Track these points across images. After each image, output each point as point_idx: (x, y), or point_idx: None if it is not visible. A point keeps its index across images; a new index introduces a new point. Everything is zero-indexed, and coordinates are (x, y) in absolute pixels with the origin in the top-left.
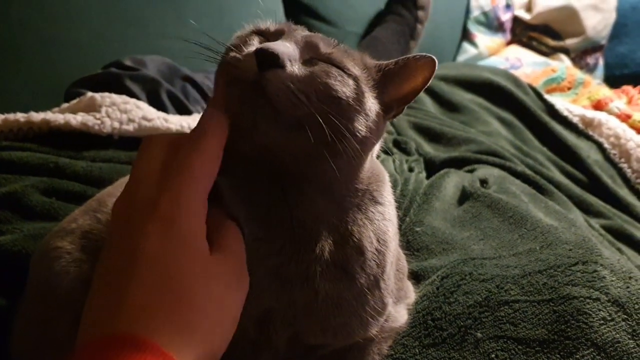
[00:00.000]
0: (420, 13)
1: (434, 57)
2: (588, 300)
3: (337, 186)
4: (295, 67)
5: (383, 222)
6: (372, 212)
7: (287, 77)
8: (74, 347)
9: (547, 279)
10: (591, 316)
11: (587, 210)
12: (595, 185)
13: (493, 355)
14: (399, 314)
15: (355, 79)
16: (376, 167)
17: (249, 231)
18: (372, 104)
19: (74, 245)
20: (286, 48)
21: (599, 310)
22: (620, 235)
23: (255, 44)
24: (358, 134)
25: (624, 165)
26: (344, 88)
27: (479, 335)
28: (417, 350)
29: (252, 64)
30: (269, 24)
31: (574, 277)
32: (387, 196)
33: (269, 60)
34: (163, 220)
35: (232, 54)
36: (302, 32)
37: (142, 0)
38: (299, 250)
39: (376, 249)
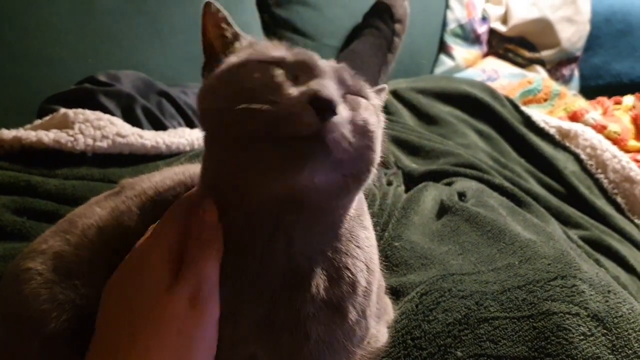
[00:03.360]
0: (397, 26)
1: None
2: (568, 316)
3: (340, 217)
4: (343, 110)
5: (371, 248)
6: (361, 238)
7: (344, 121)
8: None
9: (527, 294)
10: (571, 332)
11: (565, 221)
12: (572, 196)
13: None
14: (379, 333)
15: (375, 107)
16: None
17: (236, 283)
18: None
19: (46, 266)
20: (333, 87)
21: (579, 325)
22: (598, 246)
23: (285, 82)
24: (373, 167)
25: (601, 176)
26: (374, 120)
27: (459, 354)
28: None
29: (307, 114)
30: (280, 49)
31: (553, 292)
32: (368, 217)
33: (330, 108)
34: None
35: (258, 102)
36: (325, 62)
37: (117, 15)
38: (290, 295)
39: (366, 280)
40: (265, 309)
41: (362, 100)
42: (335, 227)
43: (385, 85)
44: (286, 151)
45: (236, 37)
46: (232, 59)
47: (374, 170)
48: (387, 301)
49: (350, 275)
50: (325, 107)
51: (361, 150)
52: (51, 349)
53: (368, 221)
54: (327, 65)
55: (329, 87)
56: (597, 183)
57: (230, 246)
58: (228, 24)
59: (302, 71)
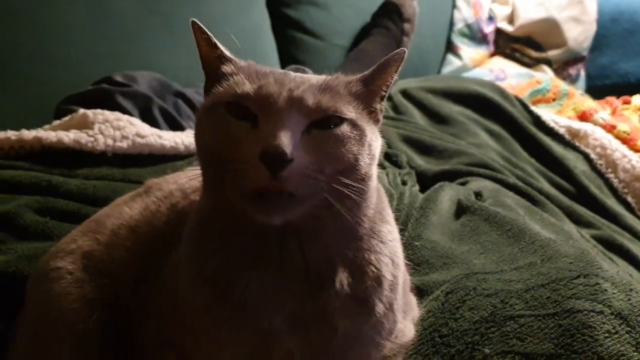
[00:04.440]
0: (406, 25)
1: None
2: (592, 314)
3: (349, 221)
4: (302, 153)
5: (394, 242)
6: (384, 232)
7: (302, 167)
8: None
9: (551, 292)
10: (596, 329)
11: (577, 220)
12: (583, 195)
13: None
14: (406, 329)
15: (351, 122)
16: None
17: (261, 288)
18: (369, 130)
19: (75, 265)
20: (287, 136)
21: (603, 323)
22: (610, 246)
23: (243, 138)
24: (365, 174)
25: (611, 176)
26: (348, 145)
27: (486, 351)
28: None
29: (259, 170)
30: (244, 85)
31: (577, 290)
32: (390, 212)
33: (280, 162)
34: None
35: (225, 159)
36: (280, 87)
37: (132, 16)
38: (315, 291)
39: (392, 274)
40: (294, 305)
41: (331, 132)
42: (351, 228)
43: (402, 50)
44: (253, 203)
45: (221, 60)
46: (207, 101)
47: (368, 181)
48: (413, 298)
49: (375, 270)
50: (275, 162)
51: (333, 174)
52: (83, 349)
53: (390, 215)
54: (287, 97)
55: (280, 138)
56: (607, 182)
57: (248, 248)
58: (213, 45)
59: (261, 110)
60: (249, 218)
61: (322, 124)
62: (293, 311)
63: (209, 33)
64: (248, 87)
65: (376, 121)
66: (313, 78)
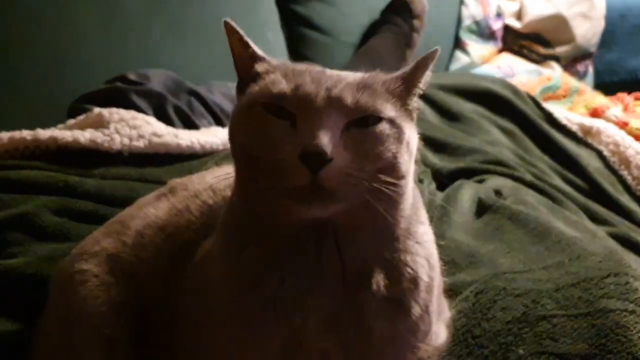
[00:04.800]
0: (415, 22)
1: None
2: (625, 313)
3: (387, 222)
4: (341, 152)
5: (430, 243)
6: (420, 233)
7: (341, 166)
8: None
9: (582, 292)
10: (629, 329)
11: (592, 218)
12: (596, 193)
13: None
14: (440, 331)
15: (390, 120)
16: None
17: (296, 287)
18: (407, 128)
19: (101, 267)
20: (326, 135)
21: (636, 322)
22: (626, 243)
23: (282, 138)
24: (404, 173)
25: (624, 173)
26: (387, 143)
27: (520, 351)
28: None
29: (299, 170)
30: (281, 84)
31: (608, 289)
32: (424, 213)
33: (320, 162)
34: None
35: (263, 158)
36: (317, 86)
37: (142, 15)
38: (351, 292)
39: (428, 275)
40: (330, 305)
41: (370, 130)
42: (388, 229)
43: (437, 48)
44: (293, 199)
45: (254, 59)
46: (244, 100)
47: (404, 180)
48: (444, 300)
49: (411, 272)
50: (315, 162)
51: (373, 173)
52: (112, 354)
53: (424, 216)
54: (325, 96)
55: (320, 137)
56: (621, 179)
57: (283, 246)
58: (245, 44)
59: (300, 110)
60: (286, 216)
61: (360, 122)
62: (328, 312)
63: (241, 32)
64: (285, 86)
65: (412, 119)
66: (350, 76)
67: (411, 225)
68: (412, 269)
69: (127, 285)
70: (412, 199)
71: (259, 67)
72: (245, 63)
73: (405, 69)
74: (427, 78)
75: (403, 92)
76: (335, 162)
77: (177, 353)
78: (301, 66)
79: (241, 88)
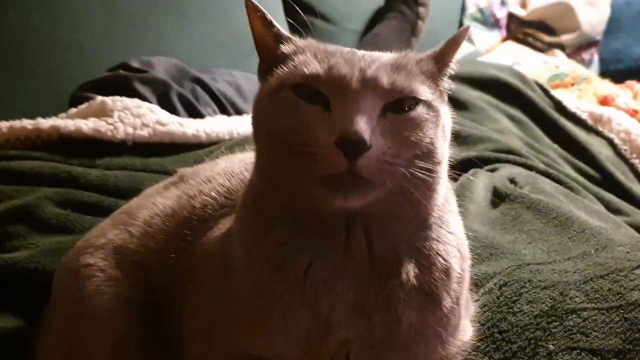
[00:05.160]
0: (421, 10)
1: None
2: None
3: (421, 210)
4: (379, 138)
5: (461, 233)
6: (452, 223)
7: (379, 153)
8: None
9: (611, 284)
10: None
11: (605, 207)
12: (608, 182)
13: None
14: (467, 326)
15: (427, 103)
16: None
17: (324, 272)
18: (442, 110)
19: (107, 261)
20: (363, 121)
21: None
22: None
23: (316, 124)
24: (441, 158)
25: (636, 161)
26: (425, 128)
27: (551, 347)
28: None
29: (335, 157)
30: (313, 64)
31: (639, 281)
32: (454, 201)
33: (359, 149)
34: None
35: (293, 144)
36: (351, 67)
37: (145, 1)
38: (379, 281)
39: (460, 266)
40: (356, 293)
41: (408, 114)
42: (422, 217)
43: (468, 26)
44: (327, 188)
45: (278, 39)
46: (271, 83)
47: (440, 166)
48: (469, 295)
49: (443, 262)
50: (353, 149)
51: (411, 159)
52: (122, 352)
53: (455, 205)
54: (360, 77)
55: (358, 123)
56: (633, 168)
57: (310, 231)
58: (269, 23)
59: (334, 92)
60: (315, 201)
61: (396, 105)
62: (355, 299)
63: (263, 10)
64: (317, 67)
65: (444, 100)
66: (382, 56)
67: (444, 214)
68: (444, 259)
69: (135, 278)
70: (447, 186)
71: (285, 48)
72: (268, 44)
73: (436, 48)
74: (455, 57)
75: (435, 72)
76: (373, 149)
77: (188, 336)
78: (330, 46)
79: (263, 70)
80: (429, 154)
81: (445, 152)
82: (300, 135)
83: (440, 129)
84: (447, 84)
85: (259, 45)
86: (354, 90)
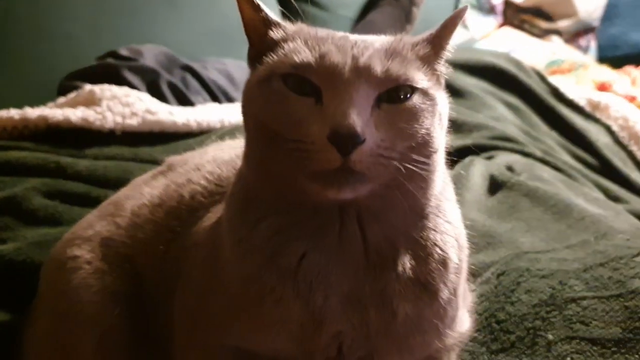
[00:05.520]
0: None
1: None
2: None
3: (417, 201)
4: (373, 131)
5: (459, 222)
6: (449, 212)
7: (374, 146)
8: None
9: (611, 272)
10: None
11: (604, 194)
12: (606, 169)
13: (568, 359)
14: (464, 317)
15: (423, 91)
16: None
17: (317, 263)
18: (439, 97)
19: (94, 253)
20: (357, 113)
21: None
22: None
23: (307, 118)
24: (437, 148)
25: (634, 148)
26: (421, 118)
27: (550, 337)
28: (485, 357)
29: (328, 152)
30: (304, 52)
31: (639, 269)
32: (451, 189)
33: (351, 143)
34: None
35: (284, 137)
36: (343, 55)
37: None
38: (374, 272)
39: (457, 257)
40: (351, 285)
41: (398, 107)
42: (417, 208)
43: (466, 6)
44: (319, 182)
45: (267, 24)
46: (260, 72)
47: (436, 155)
48: (466, 285)
49: (440, 252)
50: (346, 143)
51: (406, 151)
52: (107, 345)
53: (452, 193)
54: (352, 66)
55: (351, 116)
56: (631, 155)
57: (303, 221)
58: (256, 7)
59: (326, 83)
60: (307, 194)
61: (392, 94)
62: (349, 291)
63: None
64: (308, 55)
65: (440, 85)
66: (376, 41)
67: (441, 202)
68: (441, 249)
69: (122, 271)
70: (444, 174)
71: (274, 34)
72: (258, 29)
73: (432, 30)
74: (452, 39)
75: (432, 55)
76: (367, 143)
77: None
78: (322, 32)
79: (253, 57)
80: (424, 145)
81: (442, 140)
82: (292, 130)
83: (437, 118)
84: (444, 67)
85: (248, 29)
86: (346, 81)
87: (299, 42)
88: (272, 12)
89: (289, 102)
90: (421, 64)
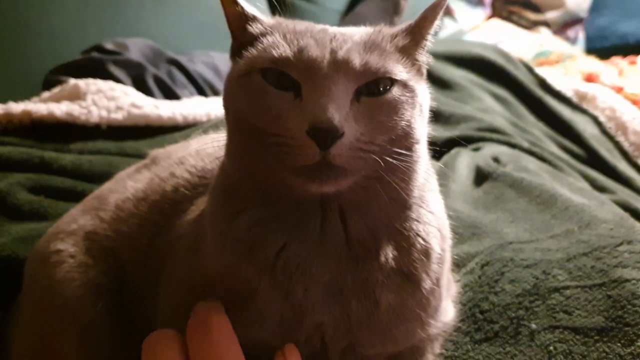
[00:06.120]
0: None
1: None
2: None
3: (399, 192)
4: (352, 124)
5: (441, 212)
6: (432, 202)
7: (353, 140)
8: None
9: (594, 261)
10: None
11: (590, 185)
12: (593, 159)
13: (551, 348)
14: (448, 307)
15: (402, 83)
16: None
17: (298, 255)
18: (419, 89)
19: (77, 247)
20: (336, 107)
21: None
22: (625, 211)
23: (286, 113)
24: (418, 139)
25: (621, 139)
26: (401, 111)
27: (533, 326)
28: (469, 347)
29: (308, 146)
30: (283, 46)
31: (622, 258)
32: (435, 180)
33: (331, 137)
34: None
35: (264, 131)
36: (322, 49)
37: None
38: (356, 263)
39: (440, 247)
40: (332, 276)
41: (377, 100)
42: (399, 199)
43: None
44: (301, 176)
45: (245, 18)
46: (240, 66)
47: (417, 147)
48: (450, 275)
49: (423, 243)
50: (325, 138)
51: (385, 144)
52: (89, 339)
53: (436, 184)
54: (331, 60)
55: (329, 110)
56: (618, 146)
57: (284, 213)
58: (235, 1)
59: (305, 77)
60: (288, 187)
61: (371, 87)
62: (331, 283)
63: None
64: (287, 49)
65: (422, 75)
66: (355, 34)
67: (424, 193)
68: (423, 239)
69: (105, 264)
70: (427, 165)
71: (252, 29)
72: (237, 23)
73: (412, 21)
74: (434, 28)
75: (412, 46)
76: (346, 136)
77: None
78: (300, 25)
79: (235, 49)
80: (405, 137)
81: (423, 131)
82: (272, 124)
83: (418, 109)
84: (424, 57)
85: (229, 23)
86: (325, 75)
87: (278, 37)
88: (261, 5)
89: (269, 96)
90: (400, 55)
